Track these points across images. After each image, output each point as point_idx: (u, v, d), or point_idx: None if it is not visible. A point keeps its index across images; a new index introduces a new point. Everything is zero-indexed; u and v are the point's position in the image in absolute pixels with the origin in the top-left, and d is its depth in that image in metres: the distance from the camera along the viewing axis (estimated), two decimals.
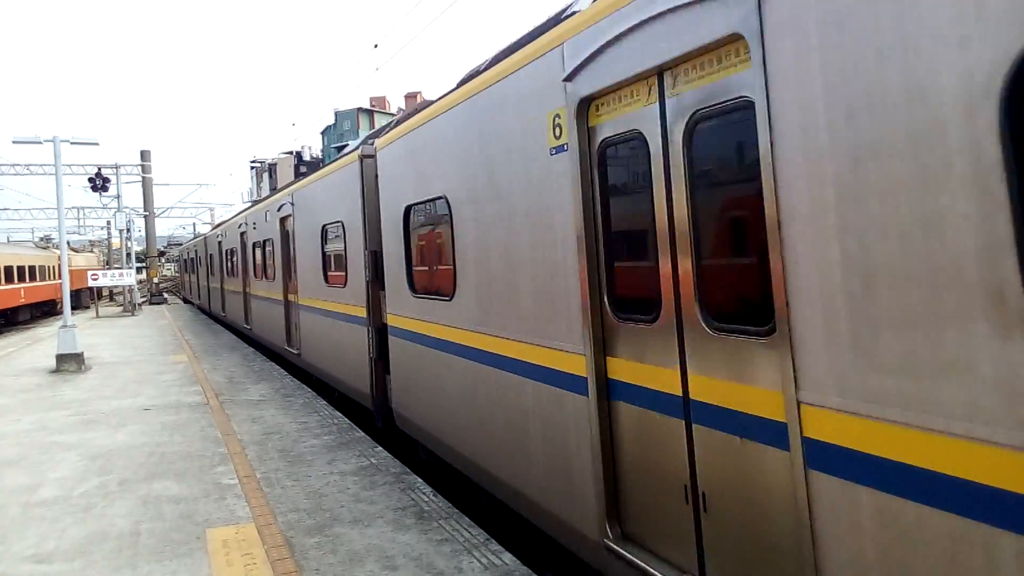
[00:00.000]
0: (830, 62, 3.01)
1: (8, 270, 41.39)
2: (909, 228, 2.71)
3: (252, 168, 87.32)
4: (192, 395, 13.48)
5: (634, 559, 4.45)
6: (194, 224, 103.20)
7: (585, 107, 4.83)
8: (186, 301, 49.93)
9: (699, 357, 3.97)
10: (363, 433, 9.99)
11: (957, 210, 2.55)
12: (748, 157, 3.60)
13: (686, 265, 4.03)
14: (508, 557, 5.66)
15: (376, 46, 32.88)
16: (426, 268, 8.04)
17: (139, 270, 48.12)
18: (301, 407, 11.89)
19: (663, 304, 4.22)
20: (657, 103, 4.18)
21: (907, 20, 2.68)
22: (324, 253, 12.35)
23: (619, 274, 4.70)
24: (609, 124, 4.65)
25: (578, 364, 4.95)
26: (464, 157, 6.54)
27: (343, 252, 11.19)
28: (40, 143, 19.91)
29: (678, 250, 4.09)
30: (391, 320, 9.08)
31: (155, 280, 52.40)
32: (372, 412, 10.35)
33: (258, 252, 19.47)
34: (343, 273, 11.29)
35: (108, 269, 38.49)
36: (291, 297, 15.66)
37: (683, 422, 4.12)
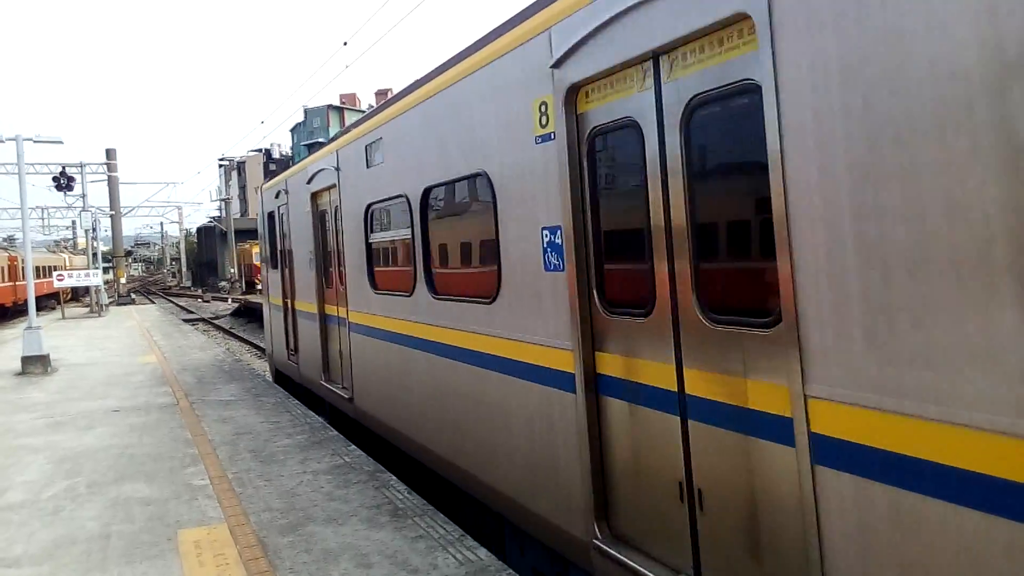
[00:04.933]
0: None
1: (41, 270, 51.86)
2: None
3: (221, 166, 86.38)
4: (161, 396, 13.32)
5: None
6: (161, 223, 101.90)
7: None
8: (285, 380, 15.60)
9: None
10: (336, 432, 9.94)
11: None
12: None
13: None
14: (483, 553, 5.68)
15: (346, 43, 32.57)
16: None
17: (105, 270, 47.39)
18: (272, 407, 11.81)
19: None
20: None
21: None
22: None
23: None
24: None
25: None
26: None
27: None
28: (2, 142, 19.54)
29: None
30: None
31: (122, 280, 51.64)
32: None
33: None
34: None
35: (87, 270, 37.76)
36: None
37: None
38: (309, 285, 11.65)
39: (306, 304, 12.03)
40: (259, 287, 58.26)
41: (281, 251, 13.72)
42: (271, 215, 14.52)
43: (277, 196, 13.61)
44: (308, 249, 11.56)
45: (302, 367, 12.65)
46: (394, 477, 7.78)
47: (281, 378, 15.22)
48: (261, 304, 40.22)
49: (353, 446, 9.13)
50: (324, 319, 11.14)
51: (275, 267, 14.49)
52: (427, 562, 5.56)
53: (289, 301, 13.41)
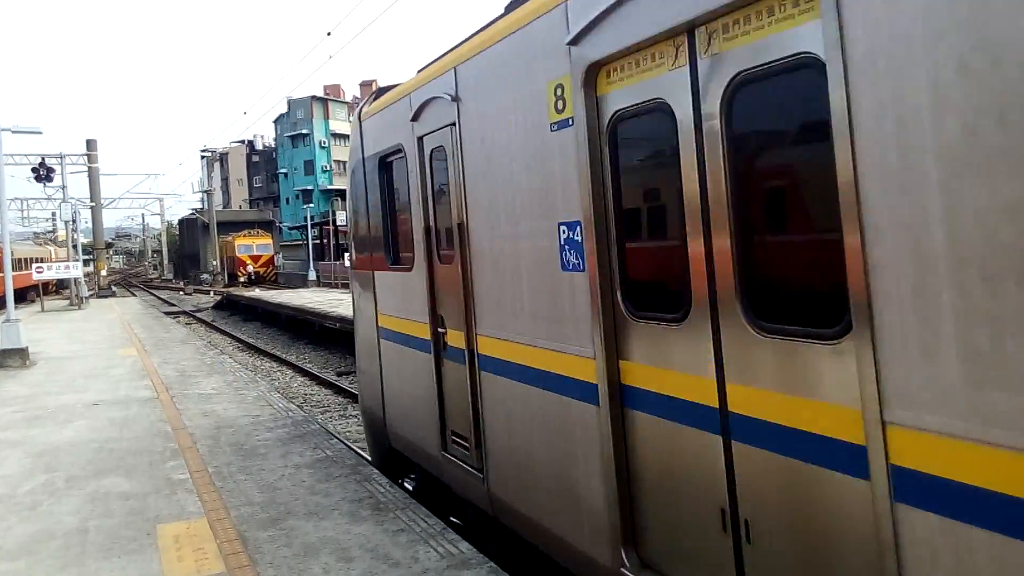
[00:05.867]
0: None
1: (25, 261, 50.45)
2: None
3: (203, 158, 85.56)
4: (142, 389, 13.22)
5: None
6: (143, 215, 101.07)
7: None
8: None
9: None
10: (319, 426, 9.91)
11: None
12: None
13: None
14: (465, 546, 5.67)
15: (329, 34, 32.39)
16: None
17: (86, 263, 47.03)
18: (254, 400, 11.74)
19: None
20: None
21: None
22: None
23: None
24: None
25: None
26: None
27: None
28: None
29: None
30: None
31: (103, 273, 51.25)
32: None
33: None
34: None
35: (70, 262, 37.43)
36: None
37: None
38: (556, 310, 4.80)
39: (536, 354, 5.06)
40: (242, 279, 58.12)
41: (427, 228, 6.67)
42: (386, 161, 7.59)
43: (417, 116, 6.57)
44: (553, 218, 4.74)
45: (497, 485, 5.73)
46: (376, 471, 7.77)
47: (399, 464, 8.14)
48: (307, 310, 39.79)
49: (335, 440, 9.10)
50: (620, 400, 4.36)
51: (396, 261, 7.58)
52: (408, 555, 5.55)
53: (463, 335, 6.05)
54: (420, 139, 6.63)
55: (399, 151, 7.14)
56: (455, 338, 6.25)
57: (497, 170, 5.34)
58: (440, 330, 6.52)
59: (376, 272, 8.08)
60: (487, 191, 5.51)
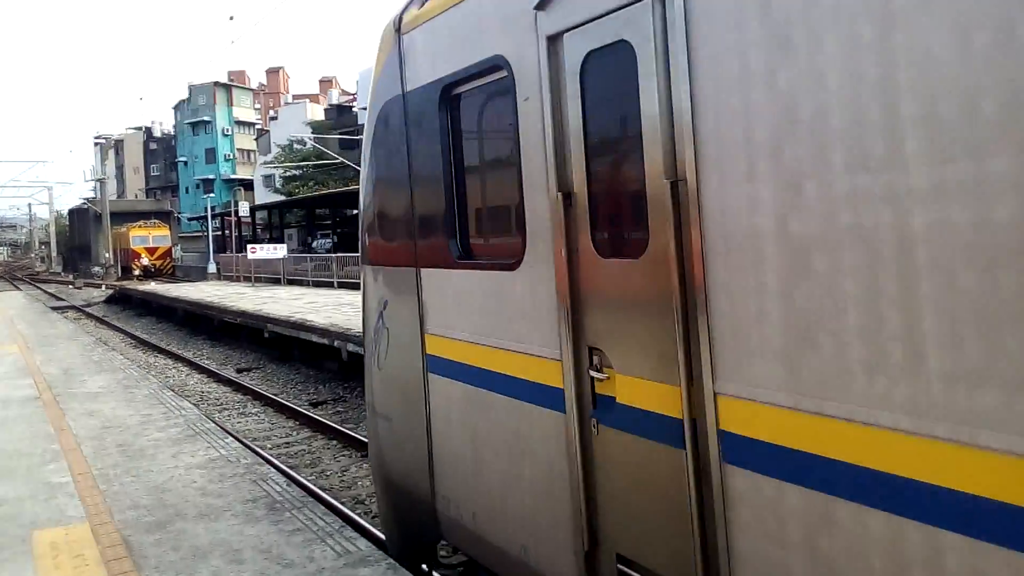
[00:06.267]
0: None
1: None
2: None
3: (96, 144, 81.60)
4: (23, 388, 12.46)
5: None
6: (29, 205, 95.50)
7: None
8: None
9: None
10: (214, 424, 9.58)
11: None
12: None
13: None
14: (363, 543, 5.58)
15: (232, 18, 31.34)
16: None
17: None
18: (144, 399, 11.25)
19: None
20: None
21: None
22: None
23: None
24: None
25: None
26: None
27: None
28: None
29: None
30: None
31: None
32: None
33: None
34: None
35: None
36: None
37: None
38: None
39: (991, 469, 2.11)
40: (136, 272, 55.64)
41: (567, 195, 3.79)
42: (454, 93, 4.82)
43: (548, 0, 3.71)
44: None
45: None
46: (273, 469, 7.56)
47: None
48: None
49: (230, 438, 8.82)
50: None
51: (468, 253, 4.90)
52: (304, 555, 5.42)
53: (680, 392, 3.16)
54: (554, 39, 3.82)
55: (494, 69, 4.37)
56: (642, 394, 3.50)
57: (819, 63, 2.55)
58: (594, 374, 3.78)
59: (424, 270, 5.29)
60: (774, 111, 2.74)
